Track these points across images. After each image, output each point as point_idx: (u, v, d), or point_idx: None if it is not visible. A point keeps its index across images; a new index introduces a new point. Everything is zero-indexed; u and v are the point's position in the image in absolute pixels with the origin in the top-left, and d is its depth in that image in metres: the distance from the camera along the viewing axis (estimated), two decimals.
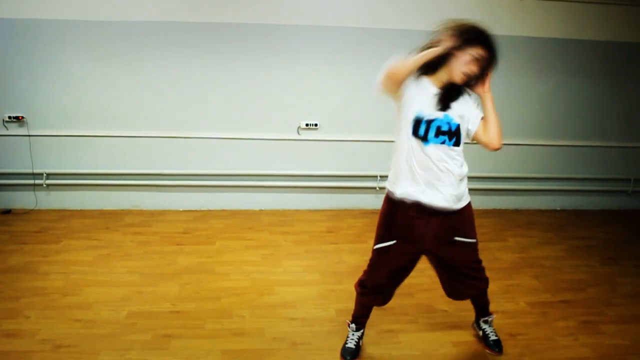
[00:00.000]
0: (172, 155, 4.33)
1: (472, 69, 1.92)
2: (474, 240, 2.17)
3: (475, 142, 2.08)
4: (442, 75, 1.98)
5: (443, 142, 1.97)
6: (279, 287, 3.01)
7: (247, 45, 4.13)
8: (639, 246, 3.94)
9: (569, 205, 4.91)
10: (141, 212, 4.32)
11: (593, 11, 4.36)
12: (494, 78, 2.03)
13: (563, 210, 4.87)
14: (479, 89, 2.02)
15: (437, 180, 2.00)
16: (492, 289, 2.36)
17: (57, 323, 2.51)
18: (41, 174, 4.23)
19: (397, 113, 2.06)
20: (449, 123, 1.97)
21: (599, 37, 4.43)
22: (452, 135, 1.98)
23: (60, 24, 3.93)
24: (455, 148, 2.00)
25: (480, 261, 2.24)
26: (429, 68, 1.99)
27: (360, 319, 2.33)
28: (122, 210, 4.35)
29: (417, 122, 1.97)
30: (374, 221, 2.19)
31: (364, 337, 2.40)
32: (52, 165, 4.24)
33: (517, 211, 4.76)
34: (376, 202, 4.53)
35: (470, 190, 2.14)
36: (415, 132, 1.97)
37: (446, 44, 1.89)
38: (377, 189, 4.55)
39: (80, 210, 4.32)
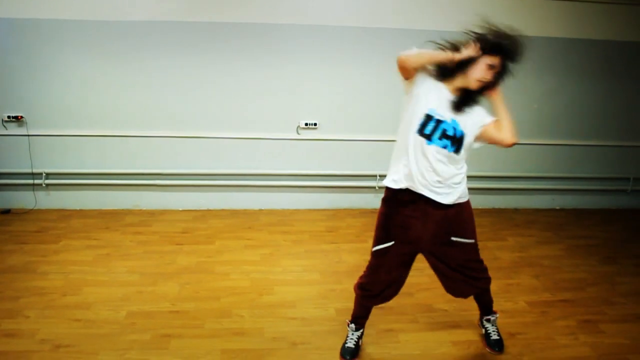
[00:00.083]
0: (171, 155, 4.32)
1: (487, 76, 1.94)
2: (472, 241, 2.17)
3: (488, 143, 2.09)
4: (458, 82, 1.99)
5: (445, 147, 1.98)
6: (279, 286, 3.01)
7: (246, 45, 4.13)
8: (638, 245, 3.94)
9: (568, 204, 4.91)
10: (141, 212, 4.32)
11: (593, 10, 4.36)
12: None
13: (562, 209, 4.87)
14: (491, 93, 2.03)
15: (430, 180, 2.00)
16: (492, 288, 2.36)
17: (56, 323, 2.51)
18: (40, 174, 4.22)
19: (405, 107, 2.05)
20: (455, 129, 1.98)
21: (598, 36, 4.43)
22: (455, 142, 1.99)
23: (59, 23, 3.92)
24: (455, 155, 2.01)
25: (480, 261, 2.24)
26: (445, 74, 1.99)
27: (359, 319, 2.33)
28: (122, 210, 4.35)
29: (427, 119, 1.97)
30: (374, 220, 2.19)
31: (364, 337, 2.40)
32: (52, 165, 4.23)
33: (516, 210, 4.77)
34: (376, 202, 4.50)
35: (469, 189, 2.14)
36: (421, 129, 1.97)
37: (466, 52, 1.91)
38: (377, 188, 4.55)
39: (80, 210, 4.32)
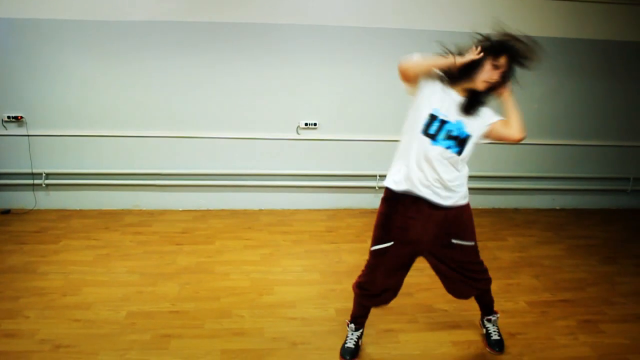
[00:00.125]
0: (171, 155, 4.32)
1: (494, 77, 1.94)
2: (472, 243, 2.17)
3: (497, 140, 2.09)
4: (465, 84, 1.99)
5: (449, 147, 1.98)
6: (279, 286, 3.01)
7: (246, 45, 4.13)
8: (638, 245, 3.94)
9: (568, 204, 4.91)
10: (140, 212, 4.32)
11: (592, 10, 4.36)
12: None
13: (562, 209, 4.87)
14: (501, 91, 2.03)
15: (431, 180, 2.00)
16: (492, 288, 2.36)
17: (56, 323, 2.51)
18: (40, 174, 4.22)
19: (411, 108, 2.06)
20: (460, 129, 1.98)
21: (598, 36, 4.43)
22: (460, 143, 1.99)
23: (59, 23, 3.92)
24: (457, 157, 2.01)
25: (480, 262, 2.24)
26: (451, 78, 1.99)
27: (359, 319, 2.33)
28: (122, 210, 4.35)
29: (432, 119, 1.97)
30: (374, 220, 2.18)
31: (364, 337, 2.40)
32: (52, 165, 4.23)
33: (516, 210, 4.77)
34: (376, 202, 4.48)
35: (469, 189, 2.14)
36: (425, 129, 1.98)
37: (468, 56, 1.92)
38: (377, 188, 4.55)
39: (80, 210, 4.32)
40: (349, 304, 2.37)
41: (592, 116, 4.67)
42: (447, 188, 2.03)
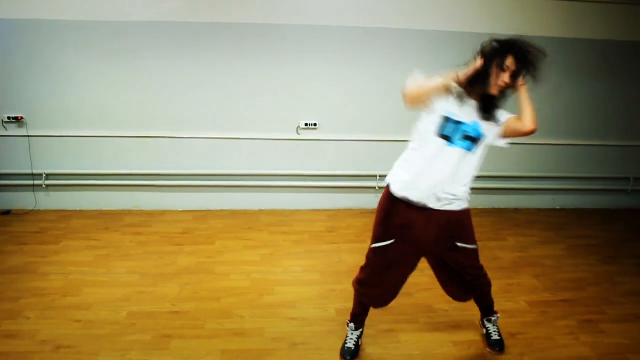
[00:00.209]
0: (171, 155, 4.33)
1: (505, 79, 1.93)
2: (474, 247, 2.17)
3: (512, 136, 2.08)
4: (479, 91, 1.99)
5: (466, 149, 1.98)
6: (279, 287, 3.01)
7: (246, 45, 4.13)
8: (638, 245, 3.94)
9: (569, 204, 4.91)
10: (141, 213, 4.32)
11: (592, 10, 4.36)
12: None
13: (563, 209, 4.87)
14: (517, 86, 2.01)
15: (444, 184, 2.00)
16: (493, 288, 2.35)
17: (57, 324, 2.51)
18: (40, 175, 4.22)
19: (423, 115, 2.05)
20: (476, 130, 1.98)
21: (597, 36, 4.43)
22: (476, 144, 2.00)
23: (59, 24, 3.92)
24: (473, 156, 2.02)
25: (481, 267, 2.25)
26: (465, 88, 2.00)
27: (359, 317, 2.33)
28: (122, 210, 4.35)
29: (446, 121, 1.97)
30: (374, 221, 2.18)
31: (364, 337, 2.40)
32: (52, 166, 4.23)
33: (516, 210, 4.76)
34: (376, 202, 4.47)
35: (469, 189, 2.14)
36: (441, 131, 1.97)
37: (471, 67, 1.94)
38: (377, 188, 4.55)
39: (80, 210, 4.32)
40: (350, 305, 2.37)
41: (592, 116, 4.67)
42: (452, 195, 2.03)
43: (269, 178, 4.48)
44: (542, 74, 1.95)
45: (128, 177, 4.33)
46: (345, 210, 4.58)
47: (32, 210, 4.24)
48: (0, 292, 2.81)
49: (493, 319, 2.43)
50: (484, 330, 2.47)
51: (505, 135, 2.07)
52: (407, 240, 2.10)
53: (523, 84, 1.98)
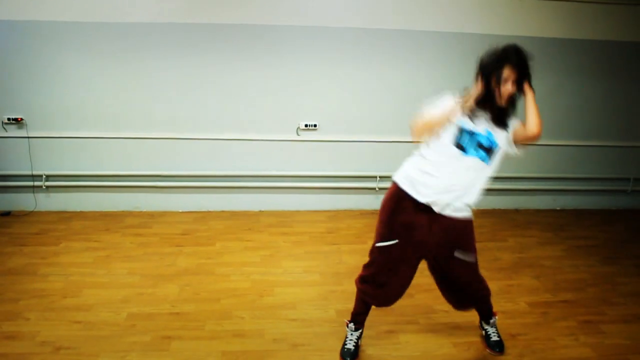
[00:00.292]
0: (171, 156, 4.33)
1: (509, 89, 1.95)
2: (473, 260, 2.17)
3: (521, 143, 2.10)
4: (488, 107, 2.01)
5: (480, 158, 2.00)
6: (279, 288, 3.01)
7: (246, 46, 4.13)
8: (638, 245, 3.94)
9: (569, 205, 4.91)
10: (141, 214, 4.32)
11: (592, 10, 4.36)
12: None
13: (563, 210, 4.87)
14: (524, 91, 2.02)
15: (455, 192, 2.01)
16: (493, 289, 2.35)
17: (56, 325, 2.51)
18: (40, 176, 4.22)
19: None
20: (490, 140, 2.00)
21: (597, 36, 4.44)
22: (491, 153, 2.01)
23: (59, 25, 3.93)
24: (488, 167, 2.04)
25: (481, 280, 2.25)
26: (476, 105, 2.02)
27: (359, 316, 2.32)
28: (122, 211, 4.35)
29: (460, 131, 1.99)
30: (374, 221, 2.18)
31: (364, 338, 2.40)
32: (52, 167, 4.23)
33: (516, 211, 4.77)
34: (376, 203, 4.51)
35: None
36: (455, 141, 2.00)
37: (474, 92, 1.97)
38: (377, 189, 4.55)
39: (80, 211, 4.32)
40: (350, 305, 2.37)
41: (592, 116, 4.67)
42: (461, 203, 2.04)
43: (269, 179, 4.48)
44: (536, 73, 1.97)
45: (128, 178, 4.33)
46: (345, 211, 4.58)
47: (32, 212, 4.24)
48: (0, 293, 2.81)
49: (492, 321, 2.43)
50: (483, 332, 2.47)
51: (516, 142, 2.08)
52: (410, 241, 2.10)
53: (529, 89, 1.99)
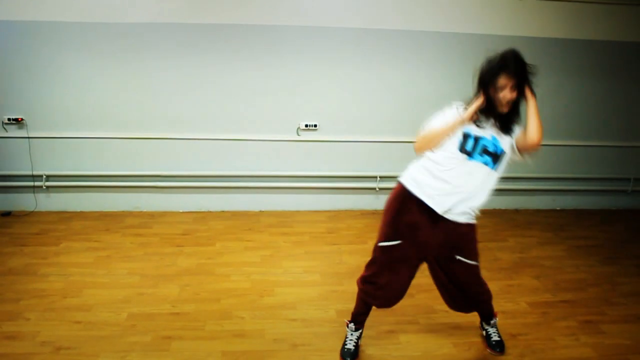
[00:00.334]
0: (171, 156, 4.33)
1: (507, 96, 1.95)
2: (475, 263, 2.17)
3: (523, 151, 2.09)
4: (491, 115, 2.03)
5: (485, 163, 2.00)
6: (279, 288, 3.01)
7: (246, 46, 4.13)
8: (638, 245, 3.94)
9: (569, 205, 4.91)
10: (141, 214, 4.32)
11: (592, 11, 4.36)
12: None
13: (563, 210, 4.87)
14: (526, 97, 2.02)
15: (462, 198, 2.01)
16: (493, 289, 2.35)
17: (57, 325, 2.51)
18: (41, 176, 4.23)
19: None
20: (495, 145, 2.00)
21: (597, 36, 4.44)
22: (496, 159, 2.01)
23: (59, 25, 3.93)
24: (494, 172, 2.03)
25: (481, 283, 2.25)
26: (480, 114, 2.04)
27: (359, 317, 2.32)
28: (122, 211, 4.35)
29: (466, 137, 2.01)
30: (375, 222, 2.19)
31: (364, 338, 2.40)
32: (52, 167, 4.23)
33: (516, 211, 4.77)
34: (376, 203, 4.53)
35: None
36: (462, 147, 2.01)
37: (474, 105, 2.00)
38: (377, 189, 4.55)
39: (80, 212, 4.32)
40: (350, 306, 2.37)
41: (592, 116, 4.67)
42: (466, 207, 2.03)
43: (269, 179, 4.48)
44: (537, 76, 1.97)
45: (128, 178, 4.33)
46: (346, 211, 4.58)
47: (32, 212, 4.24)
48: (0, 294, 2.81)
49: (492, 321, 2.44)
50: (484, 332, 2.47)
51: (518, 149, 2.08)
52: (414, 241, 2.10)
53: (531, 96, 1.98)
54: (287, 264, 3.38)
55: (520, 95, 1.99)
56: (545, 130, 2.01)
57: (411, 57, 4.28)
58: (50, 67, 4.01)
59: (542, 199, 4.86)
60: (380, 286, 2.19)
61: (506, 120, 2.03)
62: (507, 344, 2.44)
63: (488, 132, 2.01)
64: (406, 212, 2.09)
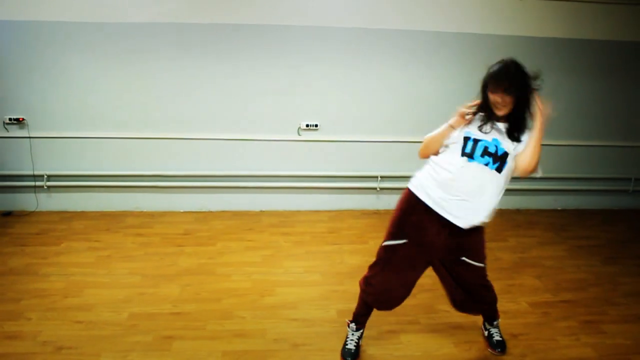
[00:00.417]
0: (172, 156, 4.33)
1: (498, 99, 1.95)
2: (482, 265, 2.17)
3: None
4: (487, 115, 2.04)
5: (487, 164, 2.00)
6: (280, 288, 3.01)
7: (247, 46, 4.13)
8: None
9: (570, 204, 4.90)
10: (142, 214, 4.32)
11: (592, 10, 4.36)
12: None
13: (564, 210, 4.87)
14: (536, 109, 1.99)
15: (465, 200, 2.02)
16: (494, 289, 2.35)
17: (58, 325, 2.51)
18: (42, 176, 4.23)
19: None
20: (496, 146, 2.00)
21: (598, 36, 4.43)
22: (497, 159, 2.00)
23: (60, 25, 3.93)
24: (497, 174, 2.02)
25: (488, 286, 2.25)
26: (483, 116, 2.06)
27: (361, 317, 2.32)
28: (123, 211, 4.36)
29: (466, 140, 2.02)
30: (375, 221, 2.19)
31: (365, 338, 2.40)
32: (53, 167, 4.24)
33: (517, 211, 4.76)
34: (377, 203, 4.53)
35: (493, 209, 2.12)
36: (462, 150, 2.02)
37: (473, 105, 2.05)
38: (378, 189, 4.55)
39: (81, 211, 4.32)
40: (351, 306, 2.37)
41: (592, 116, 4.67)
42: (472, 208, 2.03)
43: (270, 179, 4.48)
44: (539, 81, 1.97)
45: (129, 178, 4.33)
46: (347, 211, 4.57)
47: (33, 212, 4.25)
48: (1, 293, 2.82)
49: (495, 322, 2.44)
50: (486, 332, 2.47)
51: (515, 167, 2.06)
52: (418, 242, 2.10)
53: (540, 121, 1.95)
54: (288, 263, 3.38)
55: (524, 104, 1.97)
56: (546, 130, 1.99)
57: (411, 57, 4.28)
58: (52, 67, 4.01)
59: (544, 198, 4.86)
60: (381, 288, 2.18)
61: (512, 128, 2.01)
62: (508, 344, 2.44)
63: (490, 136, 2.01)
64: (414, 213, 2.10)
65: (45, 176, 4.23)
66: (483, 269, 2.19)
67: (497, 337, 2.41)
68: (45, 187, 4.26)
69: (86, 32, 3.96)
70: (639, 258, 3.66)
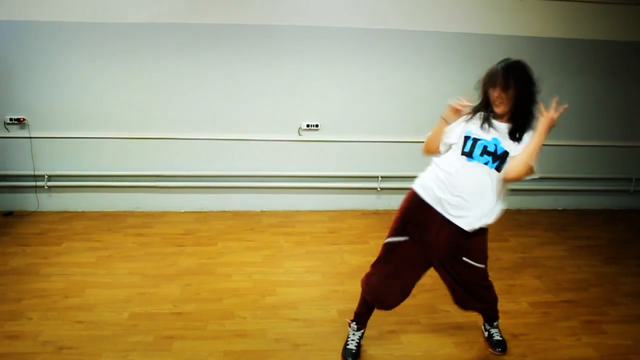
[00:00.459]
0: (173, 156, 4.33)
1: (495, 93, 1.97)
2: (482, 266, 2.17)
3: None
4: (487, 111, 2.05)
5: (486, 163, 2.00)
6: (281, 288, 3.01)
7: (247, 46, 4.14)
8: None
9: (571, 205, 4.90)
10: (142, 214, 4.33)
11: (592, 10, 4.36)
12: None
13: (565, 210, 4.87)
14: (541, 118, 2.00)
15: (466, 200, 2.01)
16: (495, 289, 2.35)
17: (59, 325, 2.51)
18: (42, 176, 4.23)
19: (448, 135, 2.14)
20: (495, 145, 2.00)
21: (598, 36, 4.43)
22: (497, 158, 2.00)
23: (60, 25, 3.93)
24: (497, 173, 2.02)
25: (488, 287, 2.25)
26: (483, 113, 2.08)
27: (362, 316, 2.33)
28: (124, 211, 4.36)
29: (465, 139, 2.03)
30: (376, 221, 2.19)
31: (366, 338, 2.40)
32: (54, 167, 4.24)
33: (518, 211, 4.76)
34: (377, 203, 4.53)
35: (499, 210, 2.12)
36: (462, 150, 2.03)
37: (458, 102, 2.08)
38: (378, 189, 4.55)
39: (82, 212, 4.33)
40: (351, 305, 2.37)
41: (593, 116, 4.66)
42: (473, 209, 2.02)
43: (271, 179, 4.48)
44: (536, 73, 1.98)
45: (130, 178, 4.33)
46: (347, 211, 4.57)
47: (34, 212, 4.25)
48: (2, 293, 2.82)
49: (495, 323, 2.44)
50: (486, 332, 2.47)
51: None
52: (419, 241, 2.10)
53: (542, 129, 1.96)
54: (289, 263, 3.38)
55: (525, 103, 1.98)
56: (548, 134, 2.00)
57: (411, 57, 4.28)
58: (52, 68, 4.01)
59: (544, 199, 4.86)
60: (382, 288, 2.18)
61: (514, 128, 2.01)
62: (509, 344, 2.44)
63: (490, 135, 2.01)
64: (416, 212, 2.11)
65: (46, 176, 4.23)
66: (484, 270, 2.19)
67: (497, 337, 2.42)
68: (46, 187, 4.27)
69: (87, 32, 3.96)
70: (639, 258, 3.66)
